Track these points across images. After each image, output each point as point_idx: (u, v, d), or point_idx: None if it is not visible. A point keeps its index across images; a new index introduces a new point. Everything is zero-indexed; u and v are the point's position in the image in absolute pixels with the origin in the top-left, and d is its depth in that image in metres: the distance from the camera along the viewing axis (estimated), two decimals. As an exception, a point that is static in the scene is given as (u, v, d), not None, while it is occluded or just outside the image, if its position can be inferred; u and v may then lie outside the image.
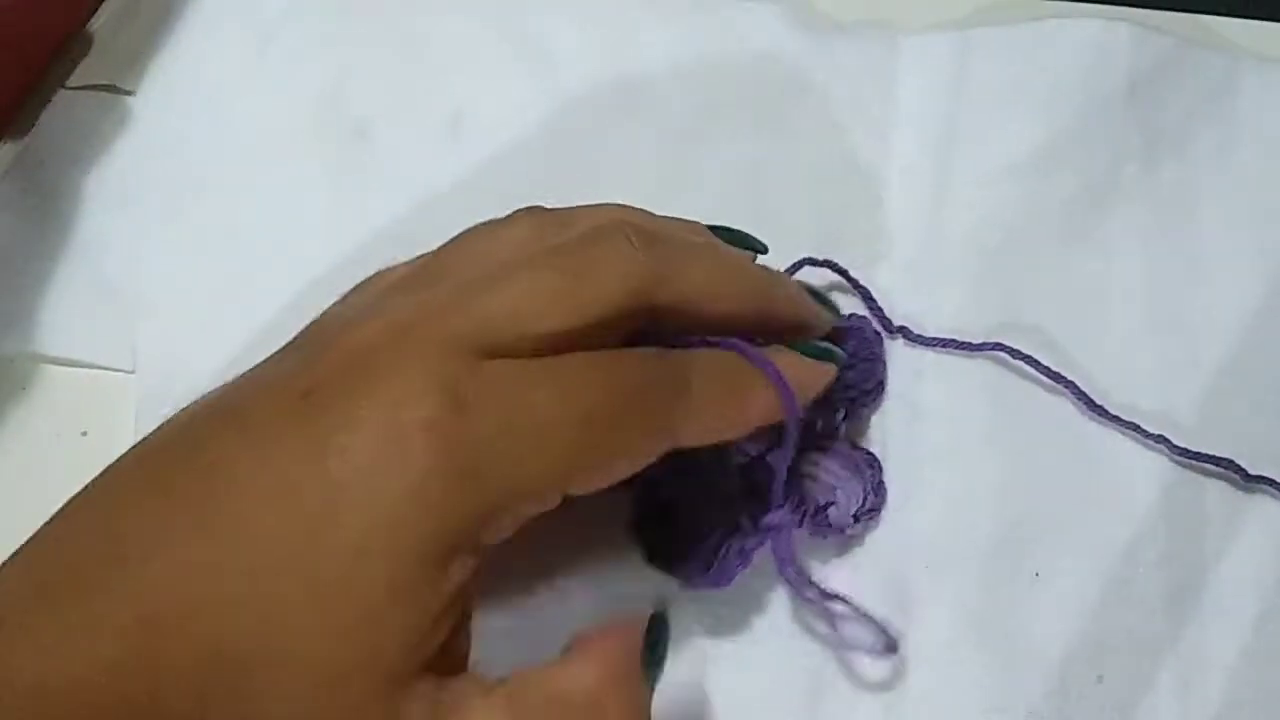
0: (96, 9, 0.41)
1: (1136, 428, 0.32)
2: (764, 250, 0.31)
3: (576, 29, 0.40)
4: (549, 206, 0.28)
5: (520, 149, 0.38)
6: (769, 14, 0.39)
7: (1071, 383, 0.32)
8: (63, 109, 0.39)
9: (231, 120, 0.39)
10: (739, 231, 0.31)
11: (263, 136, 0.39)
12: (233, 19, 0.41)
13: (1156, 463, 0.32)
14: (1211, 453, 0.32)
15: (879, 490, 0.32)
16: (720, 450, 0.30)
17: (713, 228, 0.30)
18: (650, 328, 0.26)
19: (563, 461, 0.23)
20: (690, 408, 0.25)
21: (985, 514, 0.32)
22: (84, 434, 0.35)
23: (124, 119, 0.39)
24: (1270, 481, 0.31)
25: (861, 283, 0.34)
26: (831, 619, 0.30)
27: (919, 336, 0.34)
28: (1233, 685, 0.30)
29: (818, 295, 0.31)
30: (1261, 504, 0.32)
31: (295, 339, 0.26)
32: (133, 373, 0.35)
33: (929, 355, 0.34)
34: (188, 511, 0.21)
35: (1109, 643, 0.30)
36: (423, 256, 0.27)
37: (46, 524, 0.23)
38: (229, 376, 0.34)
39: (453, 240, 0.27)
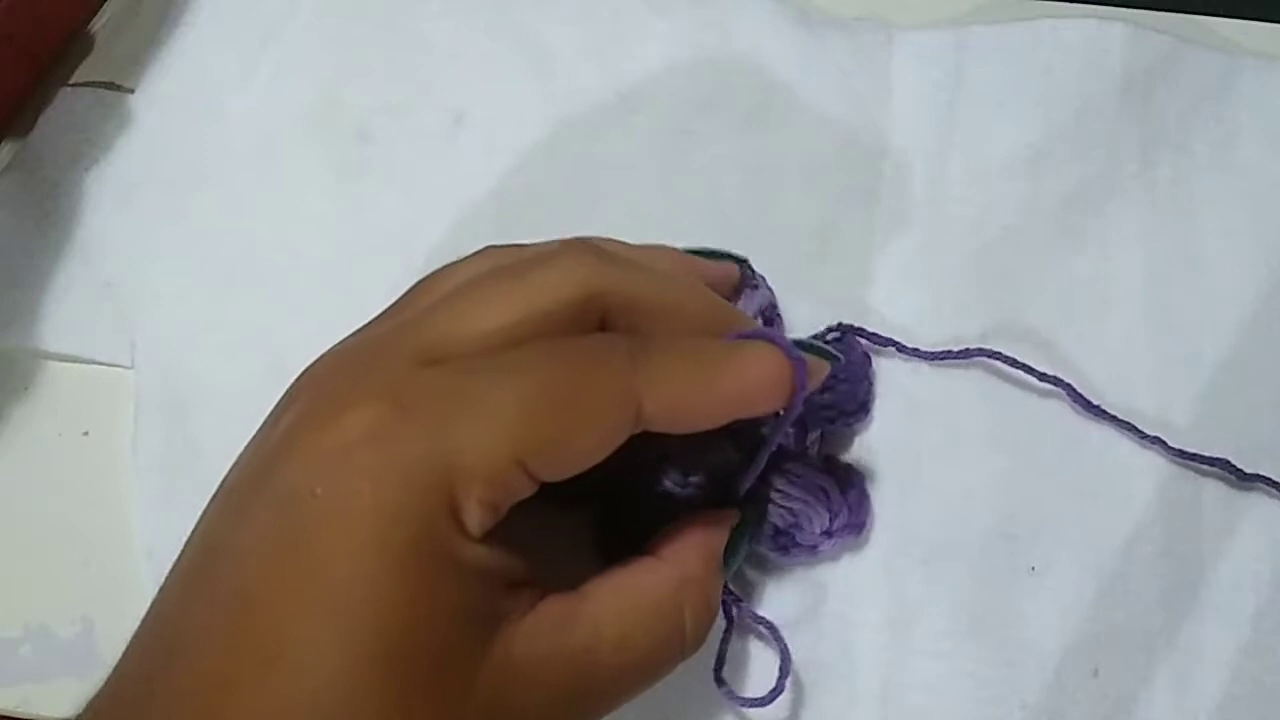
0: (98, 9, 0.41)
1: (1133, 428, 0.32)
2: (742, 260, 0.31)
3: (574, 27, 0.40)
4: (508, 243, 0.28)
5: (520, 147, 0.38)
6: (765, 10, 0.39)
7: (1068, 385, 0.32)
8: (63, 107, 0.39)
9: (232, 119, 0.39)
10: (714, 250, 0.31)
11: (263, 136, 0.39)
12: (233, 19, 0.41)
13: (1153, 459, 0.32)
14: (1208, 452, 0.32)
15: (857, 508, 0.31)
16: (684, 465, 0.29)
17: (692, 250, 0.30)
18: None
19: (512, 441, 0.22)
20: (655, 379, 0.24)
21: (982, 509, 0.32)
22: (85, 434, 0.35)
23: (124, 117, 0.39)
24: (1266, 480, 0.31)
25: (851, 292, 0.35)
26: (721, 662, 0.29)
27: (912, 350, 0.33)
28: (1228, 680, 0.30)
29: (811, 347, 0.29)
30: (1257, 501, 0.32)
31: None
32: (131, 368, 0.35)
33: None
34: (208, 595, 0.22)
35: (1105, 638, 0.30)
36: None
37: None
38: (227, 375, 0.35)
39: (416, 283, 0.27)
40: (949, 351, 0.33)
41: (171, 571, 0.23)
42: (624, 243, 0.28)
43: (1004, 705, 0.30)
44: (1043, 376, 0.32)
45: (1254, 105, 0.37)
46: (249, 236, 0.37)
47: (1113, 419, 0.32)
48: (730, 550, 0.27)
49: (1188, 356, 0.34)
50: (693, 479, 0.28)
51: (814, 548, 0.30)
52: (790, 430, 0.31)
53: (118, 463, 0.34)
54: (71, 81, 0.40)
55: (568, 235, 0.36)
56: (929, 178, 0.37)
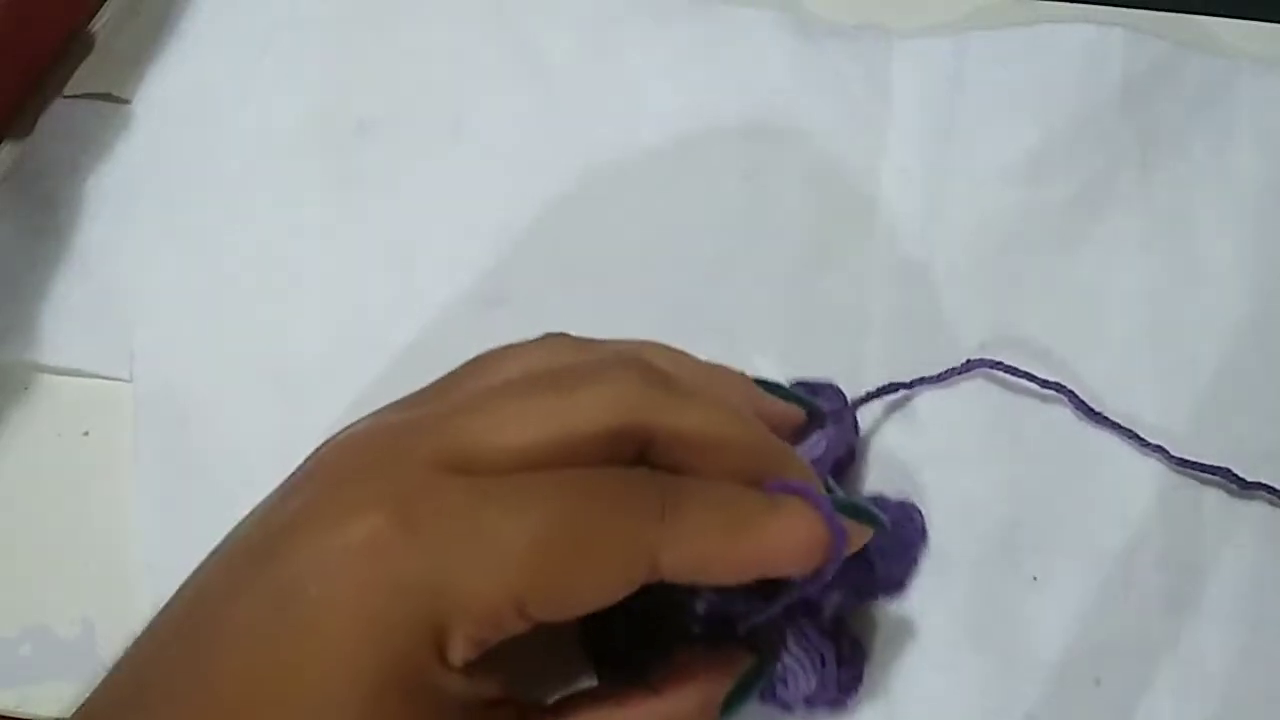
0: (97, 10, 0.41)
1: (1134, 435, 0.32)
2: (809, 408, 0.30)
3: (574, 34, 0.40)
4: (575, 335, 0.27)
5: (519, 154, 0.38)
6: (764, 18, 0.39)
7: (1070, 391, 0.32)
8: (62, 117, 0.39)
9: (230, 128, 0.39)
10: (784, 388, 0.29)
11: (262, 144, 0.39)
12: (232, 26, 0.41)
13: (1153, 467, 0.32)
14: (1208, 457, 0.32)
15: (846, 688, 0.29)
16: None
17: (759, 381, 0.29)
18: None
19: (513, 581, 0.21)
20: (678, 533, 0.23)
21: (983, 517, 0.32)
22: (85, 434, 0.35)
23: (123, 127, 0.39)
24: (1266, 487, 0.31)
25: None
26: None
27: (915, 382, 0.33)
28: (1230, 688, 0.30)
29: (859, 510, 0.26)
30: (1258, 509, 0.32)
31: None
32: (130, 381, 0.35)
33: (927, 359, 0.33)
34: (186, 658, 0.22)
35: (1107, 646, 0.30)
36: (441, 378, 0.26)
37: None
38: (226, 383, 0.35)
39: (473, 359, 0.26)
40: (950, 370, 0.33)
41: (161, 616, 0.23)
42: (683, 355, 0.27)
43: (1006, 716, 0.30)
44: (1044, 383, 0.32)
45: (1253, 110, 0.37)
46: (248, 243, 0.37)
47: (1114, 426, 0.32)
48: (734, 697, 0.26)
49: (1188, 362, 0.34)
50: (705, 611, 0.27)
51: (788, 706, 0.29)
52: None
53: (117, 463, 0.34)
54: (70, 92, 0.39)
55: (568, 237, 0.36)
56: (928, 183, 0.37)
